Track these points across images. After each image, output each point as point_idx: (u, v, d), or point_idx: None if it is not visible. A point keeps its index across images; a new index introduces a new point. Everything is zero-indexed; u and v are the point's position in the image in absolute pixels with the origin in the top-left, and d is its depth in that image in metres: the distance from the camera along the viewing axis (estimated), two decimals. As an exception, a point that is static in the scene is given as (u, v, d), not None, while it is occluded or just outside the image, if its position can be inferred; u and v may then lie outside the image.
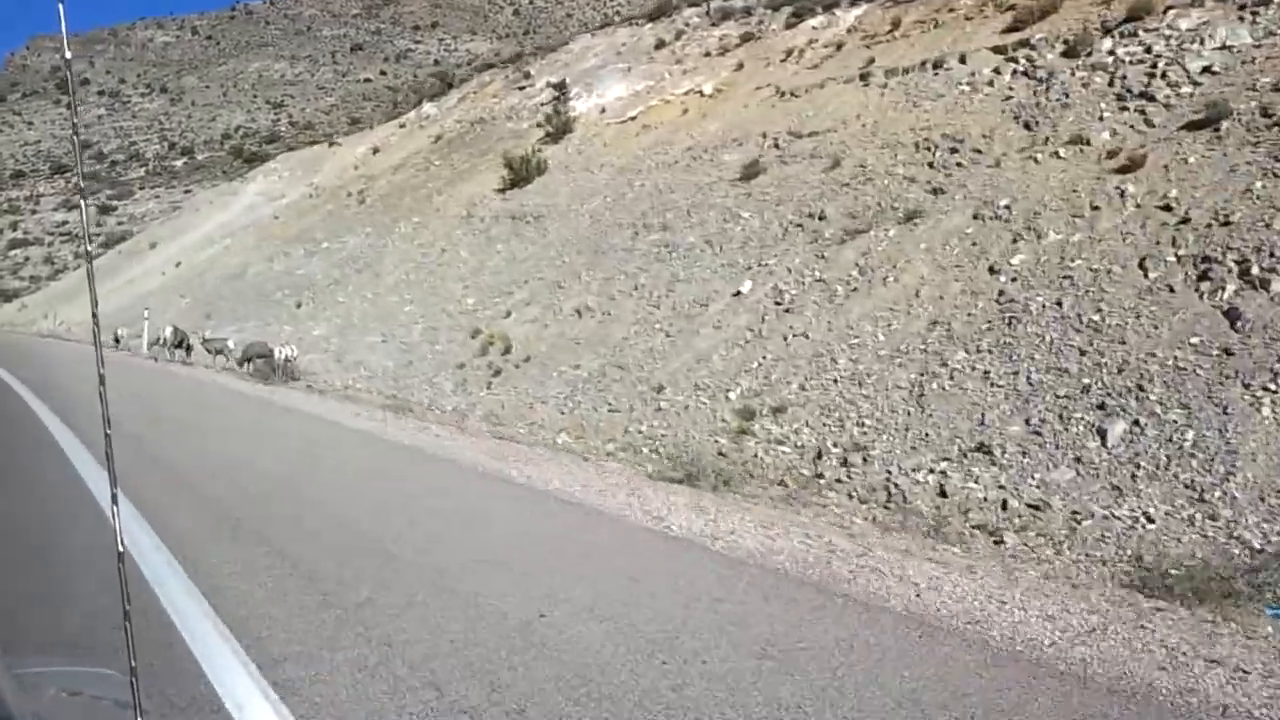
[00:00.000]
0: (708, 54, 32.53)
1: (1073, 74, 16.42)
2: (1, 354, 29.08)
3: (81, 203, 1.56)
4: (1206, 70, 14.37)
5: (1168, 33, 16.00)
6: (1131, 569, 6.56)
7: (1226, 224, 10.80)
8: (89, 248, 1.59)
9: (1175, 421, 8.69)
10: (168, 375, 20.92)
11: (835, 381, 11.81)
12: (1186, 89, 14.21)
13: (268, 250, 39.64)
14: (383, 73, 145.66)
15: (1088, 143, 14.16)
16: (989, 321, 11.54)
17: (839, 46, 25.78)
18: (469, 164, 35.83)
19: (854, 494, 9.22)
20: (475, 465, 9.52)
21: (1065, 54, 17.20)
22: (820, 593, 5.21)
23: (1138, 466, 8.42)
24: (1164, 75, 14.77)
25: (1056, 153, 14.34)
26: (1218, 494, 7.71)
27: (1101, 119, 14.68)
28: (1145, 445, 8.60)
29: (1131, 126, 14.10)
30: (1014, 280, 12.02)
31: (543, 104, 38.04)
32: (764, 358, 13.23)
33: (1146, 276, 10.80)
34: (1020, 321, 11.17)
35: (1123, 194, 12.39)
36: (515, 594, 4.93)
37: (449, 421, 14.60)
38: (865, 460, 10.06)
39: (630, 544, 6.47)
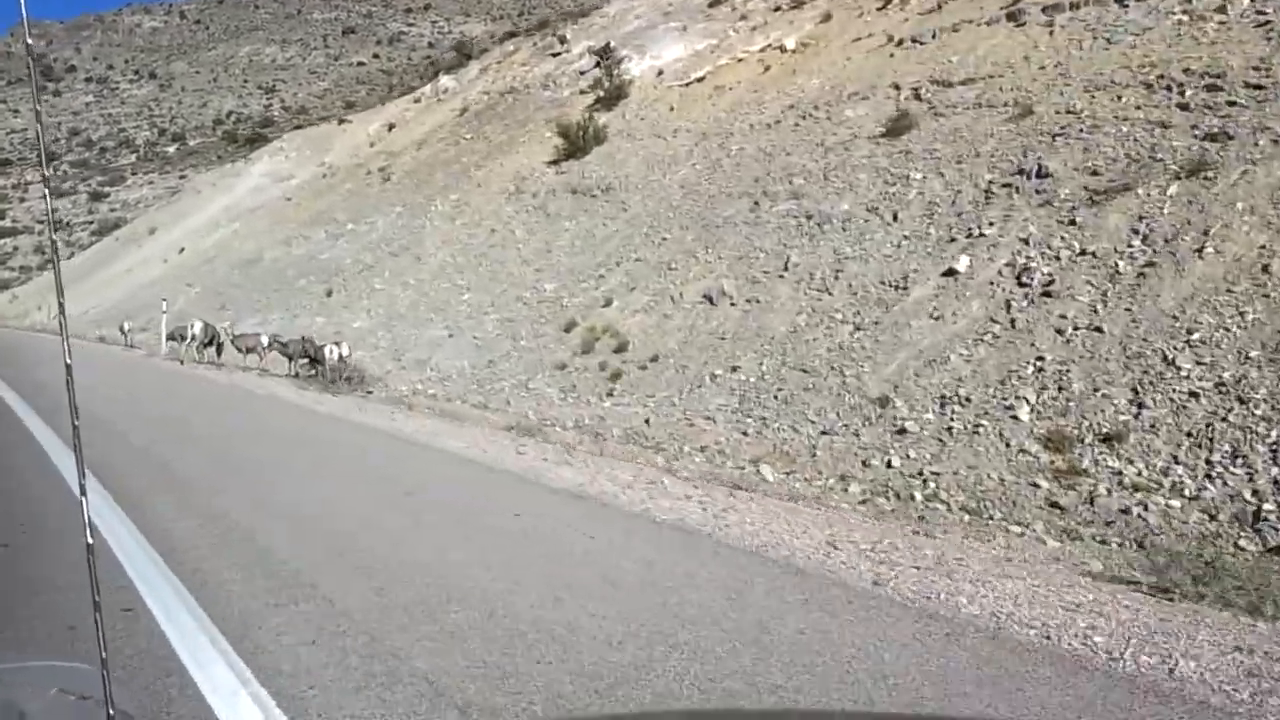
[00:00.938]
0: (778, 8, 28.59)
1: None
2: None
3: (45, 191, 1.44)
4: None
5: None
6: None
7: None
8: (53, 235, 1.52)
9: None
10: (204, 383, 16.91)
11: (1191, 395, 8.10)
12: None
13: (284, 233, 35.56)
14: (376, 56, 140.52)
15: None
16: None
17: (954, -11, 21.93)
18: (506, 135, 31.86)
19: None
20: (761, 549, 5.72)
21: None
22: None
23: None
24: None
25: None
26: None
27: None
28: None
29: None
30: None
31: (583, 70, 34.08)
32: (1038, 360, 9.50)
33: None
34: None
35: None
36: None
37: (585, 445, 10.85)
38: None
39: None
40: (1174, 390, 8.22)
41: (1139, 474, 7.57)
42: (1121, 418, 8.24)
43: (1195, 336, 8.69)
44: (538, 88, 35.35)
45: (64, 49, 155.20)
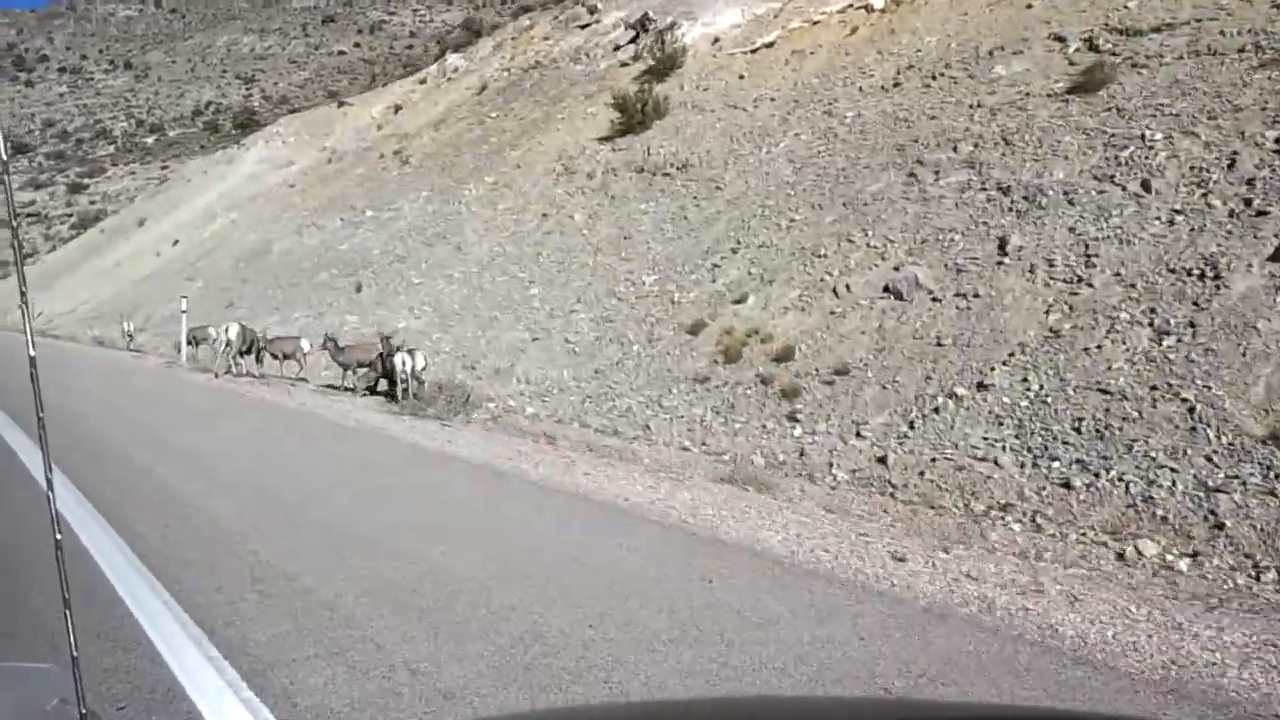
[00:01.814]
0: (848, -33, 25.34)
1: None
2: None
3: (5, 178, 1.32)
4: None
5: None
6: None
7: None
8: (13, 221, 1.51)
9: None
10: (266, 408, 13.18)
11: None
12: None
13: (292, 222, 31.92)
14: (357, 45, 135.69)
15: None
16: None
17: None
18: (541, 113, 28.44)
19: None
20: None
21: None
22: None
23: None
24: None
25: None
26: None
27: None
28: None
29: None
30: None
31: (618, 44, 30.69)
32: None
33: None
34: None
35: None
36: None
37: (816, 494, 7.70)
38: None
39: None
40: None
41: None
42: None
43: None
44: (567, 62, 31.91)
45: (35, 39, 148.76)
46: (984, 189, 12.15)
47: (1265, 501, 6.44)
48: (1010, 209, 11.47)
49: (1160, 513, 6.68)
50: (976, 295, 10.41)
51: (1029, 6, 16.93)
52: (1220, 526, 6.38)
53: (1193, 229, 9.55)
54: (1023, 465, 7.84)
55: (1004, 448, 8.16)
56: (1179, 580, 5.68)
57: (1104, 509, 6.95)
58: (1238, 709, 3.44)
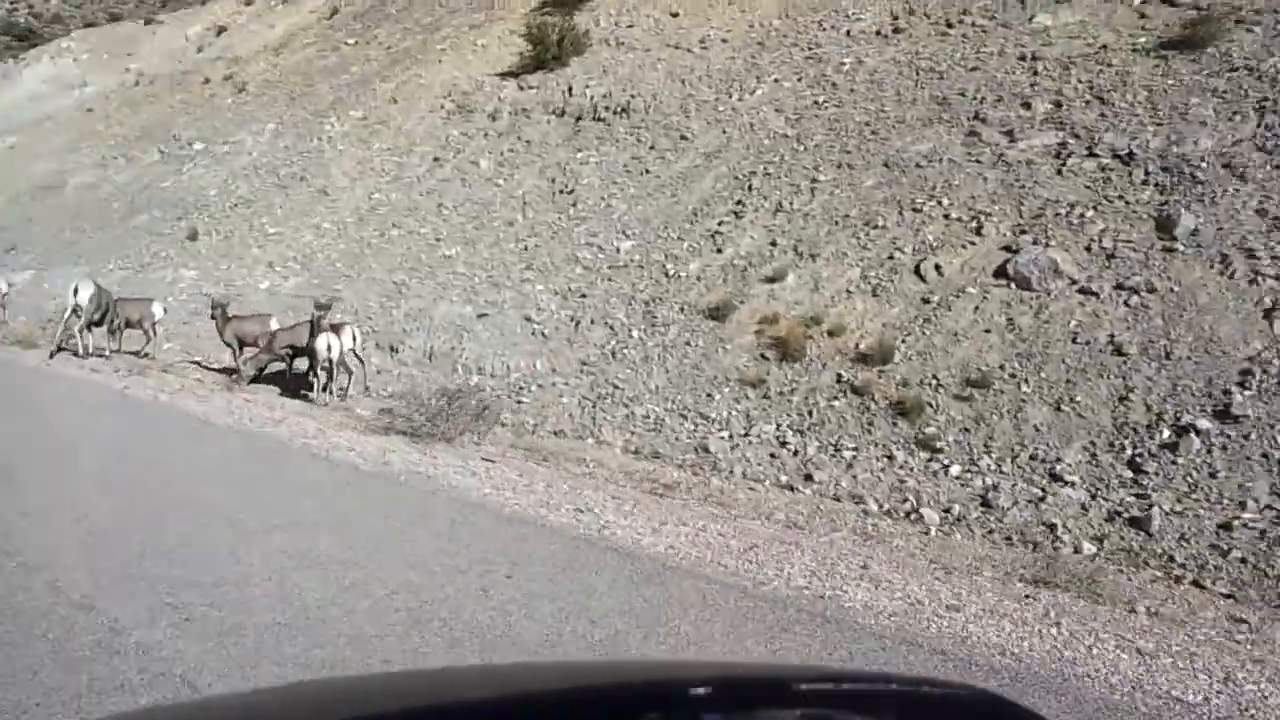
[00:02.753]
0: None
1: None
2: None
3: None
4: None
5: None
6: None
7: None
8: None
9: None
10: (172, 422, 8.50)
11: None
12: None
13: (95, 153, 25.65)
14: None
15: None
16: None
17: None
18: (413, 41, 23.94)
19: None
20: None
21: None
22: None
23: None
24: None
25: None
26: None
27: None
28: None
29: None
30: None
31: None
32: None
33: None
34: None
35: None
36: None
37: (1150, 600, 4.79)
38: None
39: None
40: None
41: None
42: None
43: None
44: (442, -12, 27.32)
45: None
46: (1093, 155, 9.57)
47: None
48: (1147, 181, 8.93)
49: None
50: (1151, 290, 7.76)
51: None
52: None
53: None
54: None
55: (1330, 515, 5.52)
56: None
57: None
58: None
